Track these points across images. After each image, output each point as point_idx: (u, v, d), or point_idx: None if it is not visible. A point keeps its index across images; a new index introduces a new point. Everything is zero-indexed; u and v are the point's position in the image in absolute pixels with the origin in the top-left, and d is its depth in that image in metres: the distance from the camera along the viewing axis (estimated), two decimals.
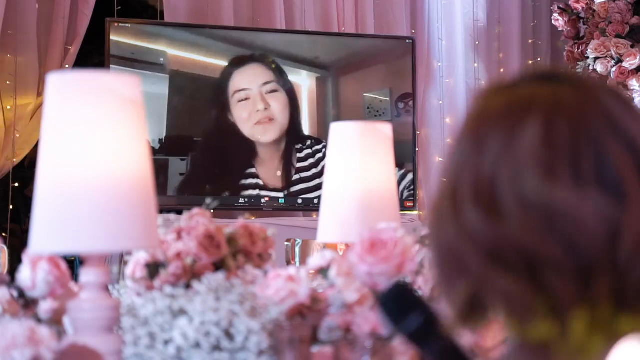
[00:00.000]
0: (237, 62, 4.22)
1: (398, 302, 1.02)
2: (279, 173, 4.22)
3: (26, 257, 1.50)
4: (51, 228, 1.32)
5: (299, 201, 4.22)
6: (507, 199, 0.81)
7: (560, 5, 4.71)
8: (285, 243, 2.52)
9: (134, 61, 3.96)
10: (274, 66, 4.28)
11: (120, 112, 1.35)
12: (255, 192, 4.14)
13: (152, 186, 1.38)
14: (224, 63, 4.15)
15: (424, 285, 1.58)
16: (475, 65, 5.05)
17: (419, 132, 4.94)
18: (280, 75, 4.30)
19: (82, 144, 1.32)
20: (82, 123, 1.33)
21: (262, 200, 4.15)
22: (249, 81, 4.22)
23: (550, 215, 0.79)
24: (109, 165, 1.33)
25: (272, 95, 4.25)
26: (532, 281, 0.79)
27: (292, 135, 4.25)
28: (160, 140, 4.02)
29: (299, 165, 4.23)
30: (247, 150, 4.17)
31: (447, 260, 0.86)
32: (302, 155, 4.22)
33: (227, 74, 4.18)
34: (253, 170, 4.16)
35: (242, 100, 4.17)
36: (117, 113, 1.35)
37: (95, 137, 1.33)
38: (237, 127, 4.14)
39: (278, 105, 4.25)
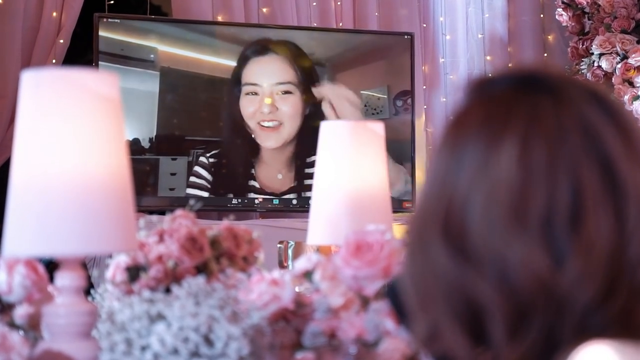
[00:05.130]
0: (256, 51, 4.12)
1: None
2: (280, 176, 4.16)
3: (2, 261, 1.46)
4: (25, 230, 1.29)
5: (294, 202, 4.17)
6: (475, 240, 0.77)
7: (565, 0, 4.65)
8: (278, 245, 2.48)
9: (124, 57, 3.91)
10: (297, 64, 4.18)
11: (96, 110, 1.31)
12: (250, 194, 4.09)
13: (130, 187, 1.34)
14: (216, 59, 4.09)
15: None
16: (488, 58, 5.00)
17: (429, 130, 4.90)
18: (304, 75, 4.20)
19: (57, 143, 1.29)
20: (57, 122, 1.29)
21: (256, 201, 4.10)
22: (261, 76, 4.12)
23: (504, 268, 0.75)
24: (85, 165, 1.29)
25: (285, 97, 4.17)
26: (475, 332, 0.77)
27: (303, 140, 4.16)
28: (150, 139, 3.97)
29: (307, 170, 4.14)
30: (247, 148, 4.11)
31: (414, 291, 0.83)
32: (310, 160, 4.12)
33: (242, 60, 4.08)
34: (251, 171, 4.10)
35: (250, 94, 4.10)
36: (93, 112, 1.31)
37: (70, 136, 1.29)
38: (240, 122, 4.07)
39: (289, 109, 4.17)
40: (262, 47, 4.13)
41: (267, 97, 4.10)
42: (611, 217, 0.74)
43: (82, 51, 4.32)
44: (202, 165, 4.02)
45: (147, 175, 3.94)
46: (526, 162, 0.76)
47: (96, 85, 1.31)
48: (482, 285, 0.75)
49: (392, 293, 1.02)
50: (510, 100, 0.80)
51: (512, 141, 0.77)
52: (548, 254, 0.74)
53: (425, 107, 4.84)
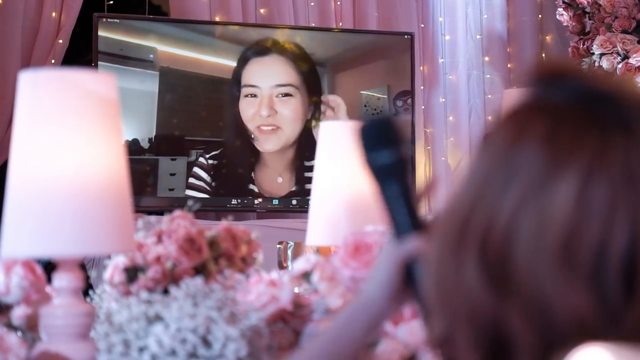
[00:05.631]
0: (257, 52, 4.08)
1: (378, 133, 0.98)
2: (280, 180, 4.14)
3: (0, 262, 1.46)
4: (22, 231, 1.28)
5: (294, 202, 4.16)
6: (516, 271, 0.71)
7: (565, 0, 4.64)
8: (277, 246, 2.47)
9: (123, 57, 3.90)
10: (299, 64, 4.15)
11: (94, 111, 1.31)
12: (249, 197, 4.07)
13: (128, 187, 1.34)
14: (215, 59, 4.08)
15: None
16: (486, 59, 5.00)
17: (427, 130, 4.89)
18: (305, 76, 4.16)
19: (54, 143, 1.28)
20: (54, 122, 1.29)
21: (256, 202, 4.09)
22: (260, 77, 4.09)
23: (544, 306, 0.70)
24: (83, 166, 1.29)
25: (284, 100, 4.15)
26: (493, 356, 0.72)
27: (305, 144, 4.15)
28: (149, 140, 3.96)
29: (307, 174, 4.12)
30: (247, 151, 4.10)
31: (436, 296, 0.77)
32: (310, 163, 4.08)
33: (242, 61, 4.05)
34: (251, 174, 4.09)
35: (249, 96, 4.08)
36: (91, 112, 1.31)
37: (68, 137, 1.29)
38: (240, 124, 4.06)
39: (290, 113, 4.15)
40: (263, 48, 4.12)
41: (266, 101, 4.07)
42: None
43: (81, 51, 4.31)
44: (201, 167, 4.01)
45: (146, 175, 3.93)
46: (585, 200, 0.70)
47: (94, 85, 1.31)
48: (515, 319, 0.71)
49: (365, 127, 0.99)
50: (578, 124, 0.72)
51: (574, 173, 0.70)
52: (598, 303, 0.69)
53: (423, 107, 4.83)
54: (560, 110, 0.73)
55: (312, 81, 4.19)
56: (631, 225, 0.69)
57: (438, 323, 0.77)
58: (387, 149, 0.98)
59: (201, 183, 3.99)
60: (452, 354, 0.76)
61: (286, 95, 4.10)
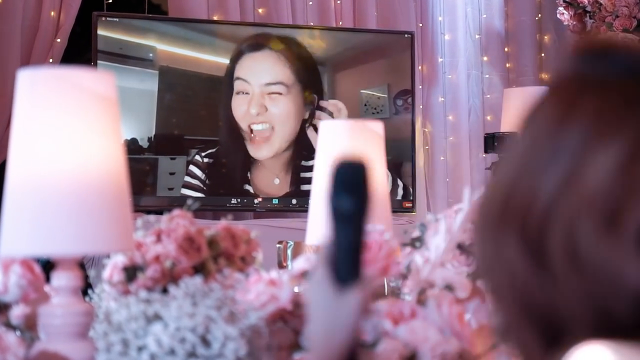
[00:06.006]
0: (251, 46, 4.07)
1: (350, 178, 0.98)
2: (277, 181, 4.13)
3: None
4: (21, 229, 1.28)
5: (293, 201, 4.15)
6: (557, 252, 0.70)
7: None
8: (277, 245, 2.47)
9: (123, 56, 3.90)
10: (295, 61, 4.12)
11: (92, 109, 1.30)
12: (247, 197, 4.06)
13: (126, 186, 1.33)
14: (215, 58, 4.07)
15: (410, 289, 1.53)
16: (485, 59, 4.99)
17: (425, 129, 4.88)
18: (300, 74, 4.14)
19: (53, 142, 1.28)
20: (53, 121, 1.29)
21: (255, 201, 4.08)
22: (252, 73, 4.08)
23: (594, 280, 0.69)
24: (82, 164, 1.28)
25: (274, 99, 4.12)
26: (552, 335, 0.72)
27: (302, 144, 4.12)
28: (149, 139, 3.95)
29: (304, 175, 4.11)
30: (241, 152, 4.09)
31: (487, 282, 0.77)
32: (308, 164, 4.08)
33: (236, 55, 4.04)
34: (247, 174, 4.07)
35: (241, 93, 4.06)
36: (89, 110, 1.30)
37: (66, 136, 1.28)
38: (234, 123, 4.05)
39: (280, 112, 4.11)
40: (257, 43, 4.09)
41: (256, 98, 4.05)
42: None
43: (81, 50, 4.31)
44: (196, 164, 4.00)
45: (145, 174, 3.92)
46: (630, 174, 0.69)
47: (92, 84, 1.30)
48: (565, 297, 0.70)
49: (337, 169, 0.97)
50: (626, 100, 0.71)
51: (619, 146, 0.70)
52: None
53: (421, 106, 4.81)
54: (608, 84, 0.72)
55: (310, 79, 4.17)
56: None
57: (496, 313, 0.76)
58: (354, 196, 0.97)
59: (196, 181, 3.98)
60: (518, 342, 0.74)
61: (275, 93, 4.08)
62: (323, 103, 4.17)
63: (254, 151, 4.05)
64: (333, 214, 0.98)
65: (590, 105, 0.72)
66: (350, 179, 0.97)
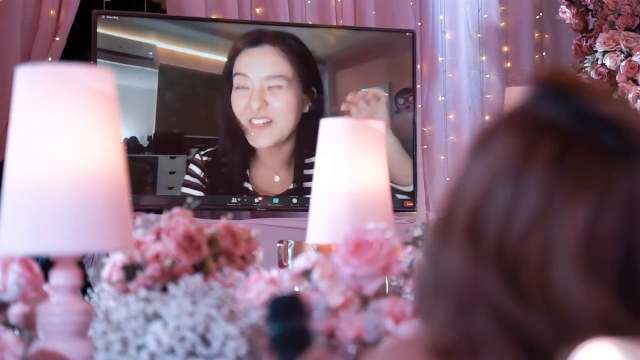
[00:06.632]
0: (249, 42, 4.05)
1: (286, 307, 1.11)
2: (277, 178, 4.12)
3: None
4: (19, 228, 1.27)
5: (294, 200, 4.14)
6: (532, 282, 0.75)
7: None
8: (278, 244, 2.46)
9: (122, 55, 3.88)
10: (293, 55, 4.09)
11: (91, 106, 1.29)
12: (245, 196, 4.04)
13: (125, 184, 1.32)
14: (215, 57, 4.05)
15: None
16: (483, 58, 4.98)
17: (424, 129, 4.86)
18: (299, 68, 4.11)
19: (51, 139, 1.27)
20: (51, 118, 1.27)
21: (255, 200, 4.06)
22: (251, 68, 4.06)
23: (566, 315, 0.74)
24: (80, 162, 1.27)
25: (275, 92, 4.11)
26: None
27: (302, 139, 4.11)
28: (149, 137, 3.94)
29: (305, 172, 4.08)
30: (241, 148, 4.07)
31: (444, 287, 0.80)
32: (309, 161, 4.05)
33: (234, 51, 4.01)
34: (246, 172, 4.05)
35: (240, 89, 4.05)
36: (88, 108, 1.29)
37: (65, 133, 1.27)
38: (233, 119, 4.03)
39: (281, 105, 4.11)
40: (255, 39, 4.08)
41: (257, 93, 4.03)
42: None
43: (81, 49, 4.30)
44: (195, 163, 3.98)
45: (145, 173, 3.91)
46: (596, 228, 0.75)
47: (91, 81, 1.29)
48: (535, 321, 0.74)
49: (272, 301, 1.14)
50: (587, 152, 0.76)
51: (586, 202, 0.75)
52: (621, 300, 0.74)
53: (419, 105, 4.80)
54: (569, 134, 0.76)
55: (308, 73, 4.15)
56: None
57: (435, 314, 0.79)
58: (286, 324, 1.10)
59: (196, 180, 3.97)
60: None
61: (276, 87, 4.06)
62: (361, 94, 4.17)
63: (254, 140, 4.03)
64: (270, 341, 1.11)
65: (551, 151, 0.76)
66: (286, 307, 1.12)
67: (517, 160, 0.77)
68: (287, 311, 1.11)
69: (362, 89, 4.29)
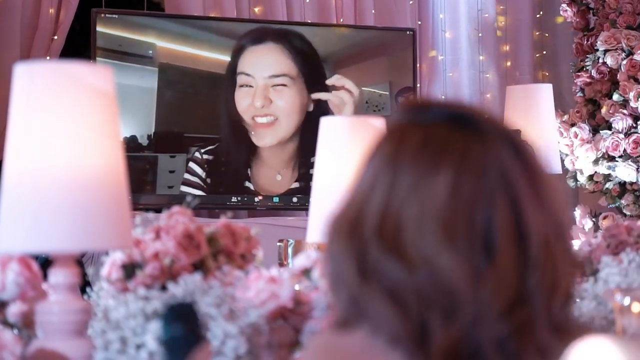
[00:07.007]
0: (252, 39, 4.02)
1: (173, 314, 1.22)
2: (279, 177, 4.10)
3: None
4: (18, 226, 1.26)
5: (294, 200, 4.13)
6: (409, 246, 0.90)
7: None
8: (278, 243, 2.45)
9: (122, 53, 3.87)
10: (297, 54, 4.05)
11: (90, 104, 1.29)
12: (245, 195, 4.03)
13: (124, 182, 1.32)
14: (215, 55, 4.04)
15: None
16: (481, 58, 4.97)
17: None
18: (303, 66, 4.08)
19: (50, 137, 1.26)
20: (50, 116, 1.27)
21: (256, 199, 4.05)
22: (255, 66, 4.03)
23: (434, 270, 0.89)
24: (79, 160, 1.26)
25: (279, 90, 4.09)
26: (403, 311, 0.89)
27: (306, 138, 4.09)
28: (148, 136, 3.92)
29: (312, 171, 4.02)
30: (243, 146, 4.06)
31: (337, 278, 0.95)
32: (311, 160, 4.01)
33: (237, 49, 3.98)
34: (247, 171, 4.04)
35: (244, 87, 4.03)
36: (87, 105, 1.28)
37: (64, 131, 1.27)
38: (236, 117, 4.01)
39: (285, 104, 4.09)
40: (258, 36, 4.06)
41: (261, 91, 4.01)
42: (516, 256, 0.90)
43: (80, 48, 4.29)
44: (195, 161, 3.97)
45: (145, 172, 3.90)
46: (457, 192, 0.90)
47: (90, 78, 1.29)
48: (413, 279, 0.89)
49: (168, 307, 1.27)
50: (446, 134, 0.94)
51: (445, 174, 0.91)
52: (471, 267, 0.89)
53: None
54: (430, 125, 0.95)
55: (313, 72, 4.14)
56: (489, 210, 0.91)
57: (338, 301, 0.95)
58: (172, 325, 1.21)
59: (196, 179, 3.95)
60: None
61: (280, 85, 4.05)
62: (335, 83, 4.14)
63: (258, 139, 4.02)
64: (161, 343, 1.22)
65: (416, 138, 0.94)
66: (176, 314, 1.22)
67: (391, 152, 0.94)
68: (178, 317, 1.22)
69: (363, 88, 4.28)
